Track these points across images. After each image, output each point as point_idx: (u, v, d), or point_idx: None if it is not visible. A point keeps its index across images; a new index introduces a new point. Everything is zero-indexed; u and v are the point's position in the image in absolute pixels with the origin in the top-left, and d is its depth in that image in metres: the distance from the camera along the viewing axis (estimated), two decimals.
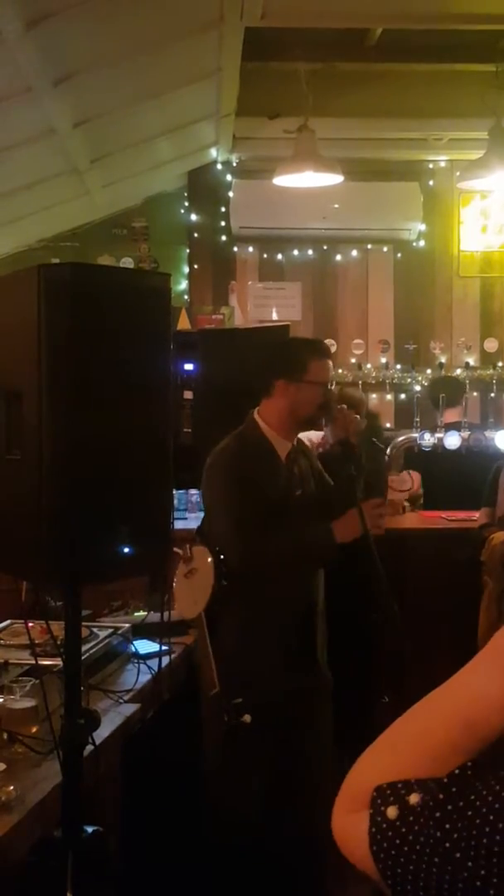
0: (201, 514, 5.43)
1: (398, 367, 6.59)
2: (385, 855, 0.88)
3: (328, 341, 6.50)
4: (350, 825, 0.94)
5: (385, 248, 6.66)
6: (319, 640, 3.17)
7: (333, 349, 6.48)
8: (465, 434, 5.84)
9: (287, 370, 3.09)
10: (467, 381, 6.16)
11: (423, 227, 6.56)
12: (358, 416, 3.33)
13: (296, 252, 6.62)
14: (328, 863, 3.27)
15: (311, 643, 3.16)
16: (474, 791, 0.85)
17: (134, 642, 3.26)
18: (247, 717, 2.79)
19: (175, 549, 2.91)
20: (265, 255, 6.64)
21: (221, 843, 3.06)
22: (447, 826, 0.84)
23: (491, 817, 0.83)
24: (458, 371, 6.45)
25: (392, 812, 0.88)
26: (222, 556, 3.01)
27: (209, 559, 2.80)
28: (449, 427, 5.60)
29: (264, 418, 3.13)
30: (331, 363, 3.21)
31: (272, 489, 3.06)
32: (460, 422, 5.69)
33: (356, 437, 3.18)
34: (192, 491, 5.40)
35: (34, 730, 2.43)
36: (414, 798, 0.87)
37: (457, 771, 0.88)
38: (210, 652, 2.84)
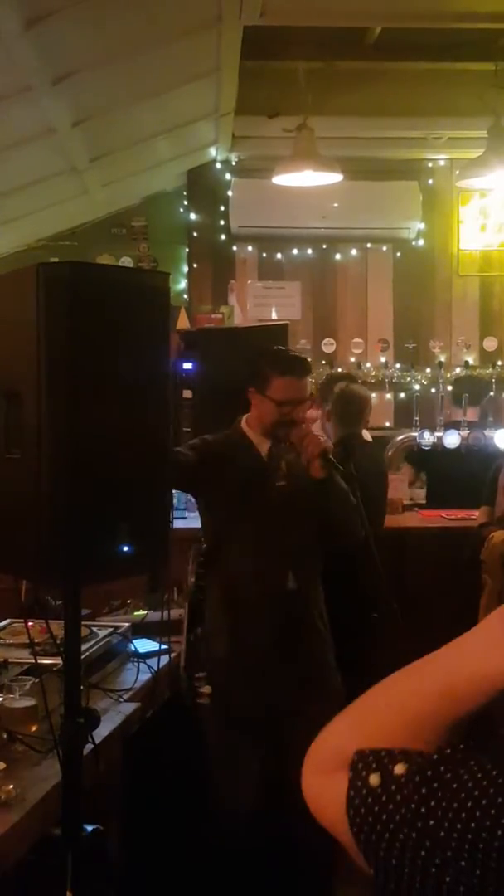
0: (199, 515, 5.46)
1: (398, 366, 6.59)
2: (361, 820, 0.89)
3: (328, 340, 6.53)
4: (324, 785, 0.94)
5: (384, 247, 6.66)
6: (294, 642, 3.11)
7: (333, 348, 6.52)
8: (465, 433, 5.85)
9: (256, 381, 3.12)
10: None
11: (422, 225, 6.56)
12: (322, 437, 3.26)
13: (295, 251, 6.62)
14: (332, 862, 3.27)
15: (293, 644, 3.10)
16: (465, 770, 0.86)
17: (133, 641, 3.26)
18: (206, 689, 2.83)
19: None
20: (264, 255, 6.64)
21: (222, 843, 3.06)
22: (432, 803, 0.85)
23: (482, 801, 0.83)
24: (458, 370, 6.45)
25: (374, 779, 0.89)
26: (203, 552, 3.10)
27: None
28: (471, 425, 5.61)
29: (248, 422, 3.19)
30: (303, 382, 3.10)
31: (242, 475, 3.08)
32: (476, 421, 5.70)
33: (318, 459, 2.99)
34: None
35: (34, 729, 2.43)
36: (399, 769, 0.88)
37: (448, 750, 0.88)
38: (185, 627, 2.91)
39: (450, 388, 6.12)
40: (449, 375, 6.45)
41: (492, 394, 6.04)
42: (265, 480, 3.11)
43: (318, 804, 0.96)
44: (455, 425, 5.64)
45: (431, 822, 0.84)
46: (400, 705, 0.94)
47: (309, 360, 3.38)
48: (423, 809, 0.85)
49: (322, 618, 3.17)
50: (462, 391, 5.78)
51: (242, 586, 3.08)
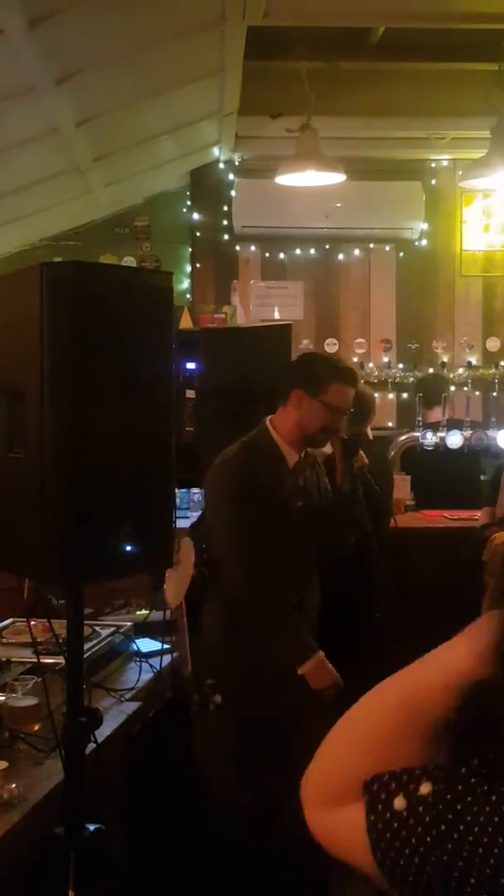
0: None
1: (400, 366, 6.59)
2: (386, 845, 0.87)
3: (330, 340, 6.54)
4: (334, 818, 0.92)
5: (387, 248, 6.66)
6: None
7: (336, 348, 6.52)
8: (468, 433, 5.86)
9: (307, 383, 3.05)
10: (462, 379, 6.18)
11: (425, 226, 6.56)
12: (363, 455, 3.29)
13: (298, 251, 6.62)
14: (331, 861, 3.27)
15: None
16: (499, 783, 0.83)
17: (136, 640, 3.26)
18: (217, 698, 2.82)
19: None
20: (267, 254, 6.65)
21: (221, 842, 3.05)
22: (468, 818, 0.82)
23: None
24: (461, 370, 6.45)
25: (399, 803, 0.86)
26: (203, 546, 3.05)
27: (192, 548, 2.88)
28: (428, 427, 5.63)
29: (276, 426, 3.09)
30: (353, 393, 3.13)
31: (276, 497, 3.02)
32: (439, 421, 5.73)
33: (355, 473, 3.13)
34: (195, 489, 5.40)
35: (36, 728, 2.44)
36: (425, 788, 0.85)
37: (475, 760, 0.86)
38: (186, 636, 2.88)
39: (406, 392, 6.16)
40: (452, 375, 6.45)
41: (451, 390, 6.05)
42: (292, 499, 3.08)
43: (330, 837, 0.94)
44: (458, 425, 5.65)
45: (466, 842, 0.81)
46: (370, 721, 0.93)
47: None
48: (457, 829, 0.82)
49: (315, 626, 3.17)
50: (423, 391, 5.81)
51: (251, 602, 3.03)
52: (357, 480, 3.22)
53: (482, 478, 5.62)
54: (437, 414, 5.80)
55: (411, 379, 6.49)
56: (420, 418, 5.79)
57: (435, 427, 5.65)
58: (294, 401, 3.05)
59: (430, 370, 6.47)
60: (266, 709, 3.01)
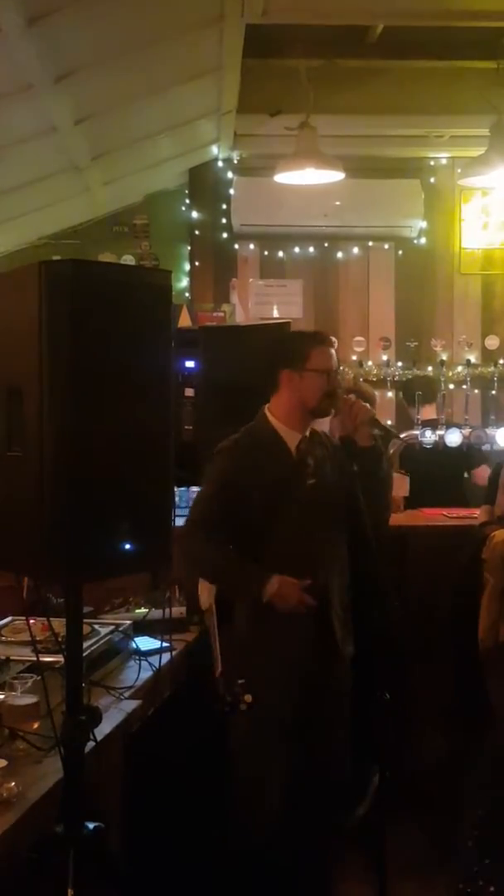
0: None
1: (399, 364, 6.59)
2: None
3: None
4: None
5: (386, 246, 6.66)
6: (339, 635, 3.13)
7: (334, 346, 6.51)
8: (467, 431, 5.86)
9: (289, 360, 3.11)
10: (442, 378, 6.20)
11: (424, 224, 6.55)
12: (367, 405, 3.29)
13: (297, 249, 6.62)
14: (333, 860, 3.28)
15: (330, 637, 3.11)
16: None
17: (135, 639, 3.27)
18: (248, 697, 2.80)
19: None
20: (266, 253, 6.64)
21: (240, 839, 3.05)
22: None
23: None
24: (459, 368, 6.45)
25: None
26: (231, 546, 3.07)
27: None
28: (426, 424, 5.64)
29: (273, 412, 3.16)
30: (333, 351, 3.19)
31: (275, 479, 3.06)
32: (437, 419, 5.73)
33: (366, 425, 3.14)
34: (194, 488, 5.40)
35: (35, 726, 2.44)
36: None
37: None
38: (216, 636, 2.87)
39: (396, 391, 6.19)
40: (451, 374, 6.45)
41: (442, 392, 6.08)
42: (296, 480, 3.10)
43: None
44: (433, 424, 5.68)
45: None
46: None
47: None
48: None
49: (345, 607, 3.17)
50: (415, 390, 5.83)
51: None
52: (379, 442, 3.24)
53: (466, 475, 5.65)
54: (428, 412, 5.79)
55: (410, 377, 6.49)
56: (419, 417, 5.79)
57: (434, 425, 5.65)
58: (285, 382, 3.12)
59: (430, 368, 6.47)
60: (291, 706, 3.00)
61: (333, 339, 3.26)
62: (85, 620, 2.62)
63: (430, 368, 6.48)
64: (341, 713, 3.16)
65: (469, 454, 5.57)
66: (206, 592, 2.91)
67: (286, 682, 2.99)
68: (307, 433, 3.17)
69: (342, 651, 3.14)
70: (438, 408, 5.85)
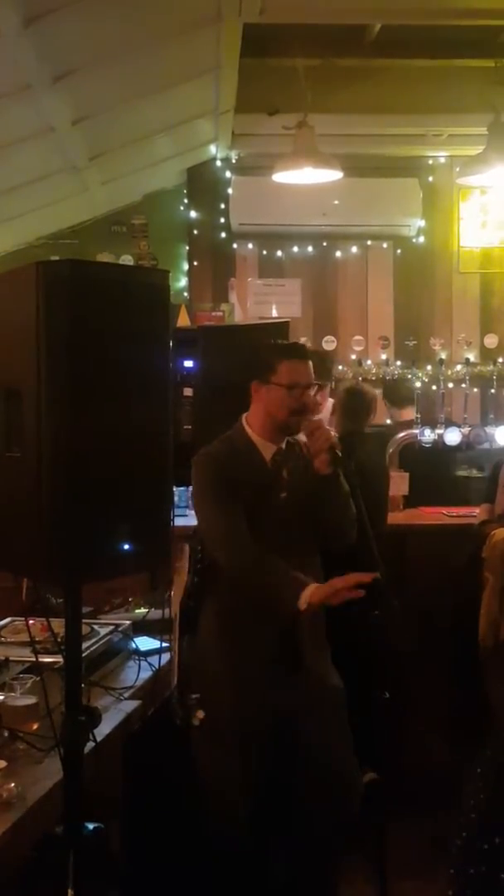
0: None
1: (398, 363, 6.59)
2: None
3: (328, 338, 6.54)
4: None
5: (385, 245, 6.66)
6: (308, 650, 3.04)
7: (333, 345, 6.52)
8: (466, 430, 5.85)
9: (259, 373, 3.03)
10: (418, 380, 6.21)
11: (422, 223, 6.55)
12: (329, 431, 3.10)
13: (295, 248, 6.62)
14: (335, 862, 3.27)
15: (295, 653, 3.03)
16: None
17: (134, 639, 3.27)
18: (199, 714, 2.77)
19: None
20: (265, 252, 6.64)
21: (221, 847, 3.03)
22: None
23: None
24: (459, 367, 6.46)
25: None
26: (200, 555, 3.01)
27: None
28: (402, 426, 5.65)
29: (249, 422, 3.09)
30: (308, 365, 3.03)
31: (251, 491, 2.98)
32: (412, 420, 5.75)
33: (325, 453, 2.94)
34: (193, 488, 5.41)
35: (35, 727, 2.44)
36: None
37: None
38: (176, 647, 2.85)
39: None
40: (450, 372, 6.45)
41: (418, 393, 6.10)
42: (270, 491, 3.02)
43: None
44: (409, 425, 5.69)
45: None
46: None
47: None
48: None
49: (318, 621, 3.09)
50: (393, 393, 5.86)
51: (245, 599, 2.96)
52: (355, 477, 3.20)
53: (460, 473, 5.67)
54: (408, 413, 5.79)
55: (409, 376, 6.49)
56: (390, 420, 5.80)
57: (410, 426, 5.67)
58: (255, 393, 3.05)
59: (429, 367, 6.48)
60: (269, 712, 2.95)
61: (308, 351, 3.14)
62: (84, 621, 2.62)
63: (429, 367, 6.48)
64: (333, 720, 3.11)
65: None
66: (178, 598, 2.87)
67: (242, 694, 2.92)
68: (283, 445, 3.08)
69: (309, 664, 3.04)
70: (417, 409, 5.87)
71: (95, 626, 3.18)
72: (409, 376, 6.34)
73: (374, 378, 6.51)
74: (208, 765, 2.99)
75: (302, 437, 3.06)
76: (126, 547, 2.02)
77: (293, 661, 3.03)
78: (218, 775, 2.97)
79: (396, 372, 6.50)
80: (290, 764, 3.02)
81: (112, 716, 2.71)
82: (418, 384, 6.42)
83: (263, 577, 2.89)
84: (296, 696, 2.99)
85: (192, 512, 5.43)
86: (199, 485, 3.05)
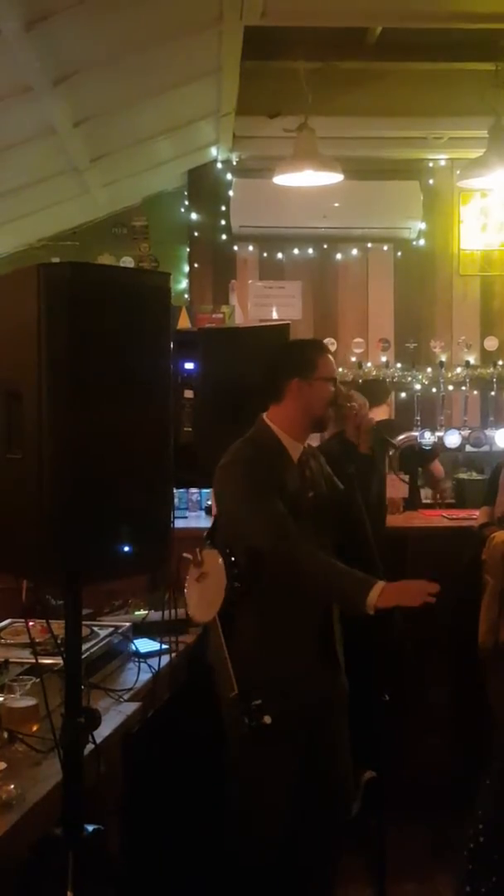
0: (202, 514, 5.46)
1: (398, 365, 6.60)
2: None
3: (328, 340, 6.54)
4: None
5: (385, 247, 6.66)
6: (339, 647, 3.13)
7: (334, 348, 6.52)
8: (466, 433, 5.88)
9: (299, 370, 3.09)
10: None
11: (423, 225, 6.56)
12: (370, 416, 3.35)
13: (296, 251, 6.62)
14: (337, 864, 3.27)
15: (331, 649, 3.11)
16: None
17: (134, 641, 3.27)
18: (267, 719, 2.75)
19: (185, 554, 2.92)
20: (265, 254, 6.64)
21: (239, 847, 3.03)
22: None
23: None
24: (459, 370, 6.46)
25: None
26: (233, 558, 2.98)
27: (220, 561, 2.78)
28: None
29: (275, 422, 3.10)
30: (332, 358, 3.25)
31: (287, 491, 3.02)
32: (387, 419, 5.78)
33: (368, 433, 3.22)
34: (193, 490, 5.41)
35: (35, 728, 2.44)
36: None
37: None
38: (227, 655, 2.80)
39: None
40: (450, 375, 6.46)
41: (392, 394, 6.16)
42: (301, 491, 3.08)
43: None
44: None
45: None
46: None
47: None
48: None
49: (339, 620, 3.16)
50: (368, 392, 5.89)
51: (285, 601, 2.98)
52: (354, 480, 3.22)
53: (460, 476, 5.68)
54: (382, 413, 5.80)
55: (409, 378, 6.50)
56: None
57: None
58: (293, 391, 3.09)
59: (429, 370, 6.48)
60: (297, 718, 2.97)
61: (332, 348, 3.32)
62: (84, 622, 2.62)
63: (429, 370, 6.49)
64: (344, 721, 3.16)
65: (421, 453, 5.63)
66: (204, 605, 2.82)
67: (291, 694, 2.94)
68: (305, 444, 3.16)
69: (340, 660, 3.14)
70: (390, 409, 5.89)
71: (95, 628, 3.18)
72: (383, 377, 6.38)
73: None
74: (254, 767, 2.99)
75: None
76: (126, 549, 2.02)
77: (330, 658, 3.09)
78: (266, 777, 2.99)
79: (373, 372, 6.51)
80: (314, 759, 3.05)
81: (112, 717, 2.71)
82: (418, 386, 6.45)
83: (328, 572, 2.93)
84: (328, 693, 3.06)
85: (192, 514, 5.42)
86: (239, 485, 3.02)
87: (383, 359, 6.61)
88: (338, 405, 3.18)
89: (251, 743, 2.78)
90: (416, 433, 5.71)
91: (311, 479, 3.13)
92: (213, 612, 2.77)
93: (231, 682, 2.76)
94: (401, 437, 5.60)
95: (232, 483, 3.04)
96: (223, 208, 6.48)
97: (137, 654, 3.20)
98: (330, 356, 3.20)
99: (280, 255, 6.62)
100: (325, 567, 2.93)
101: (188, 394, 3.54)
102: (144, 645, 3.28)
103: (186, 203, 6.62)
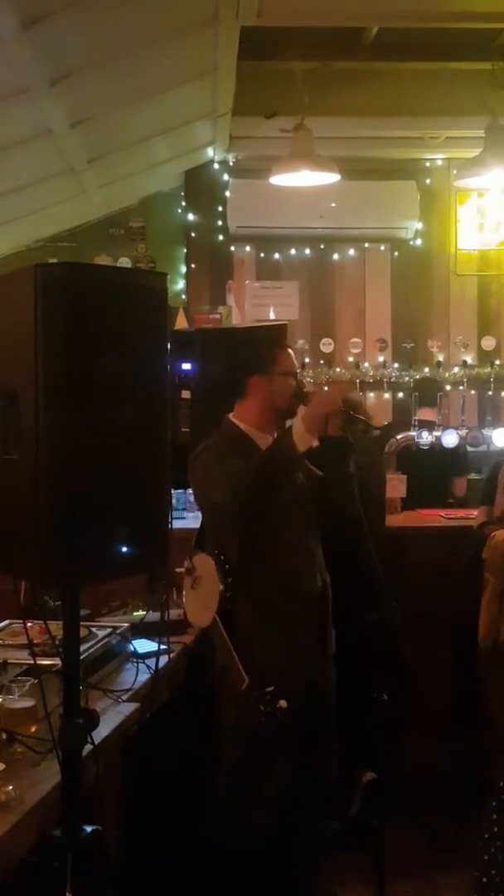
0: (199, 515, 5.45)
1: (395, 365, 6.60)
2: None
3: (325, 340, 6.55)
4: None
5: (382, 247, 6.67)
6: (329, 638, 3.16)
7: (331, 348, 6.54)
8: (464, 432, 5.88)
9: (259, 366, 3.11)
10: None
11: (419, 225, 6.56)
12: (336, 398, 3.22)
13: (293, 251, 6.62)
14: (332, 863, 3.27)
15: (324, 639, 3.14)
16: None
17: (132, 641, 3.26)
18: (283, 703, 2.77)
19: (177, 569, 2.95)
20: (262, 255, 6.65)
21: (230, 844, 3.03)
22: None
23: None
24: (456, 369, 6.47)
25: None
26: (222, 557, 3.00)
27: (212, 563, 2.83)
28: (422, 425, 5.68)
29: (241, 419, 3.14)
30: (291, 350, 3.22)
31: None
32: (433, 421, 5.77)
33: (337, 416, 3.07)
34: (191, 490, 5.40)
35: (33, 729, 2.43)
36: None
37: None
38: (232, 650, 2.82)
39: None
40: (448, 375, 6.47)
41: (441, 393, 6.14)
42: None
43: None
44: (430, 425, 5.72)
45: None
46: None
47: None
48: None
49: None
50: (415, 391, 5.91)
51: (283, 589, 3.02)
52: (353, 479, 3.21)
53: (464, 477, 5.69)
54: (430, 413, 5.83)
55: (406, 378, 6.50)
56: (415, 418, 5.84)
57: (430, 427, 5.69)
58: (255, 388, 3.11)
59: (426, 370, 6.49)
60: (295, 708, 2.95)
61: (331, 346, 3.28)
62: (82, 623, 2.61)
63: (426, 370, 6.49)
64: (331, 711, 3.17)
65: (456, 461, 5.64)
66: (202, 610, 2.84)
67: (291, 685, 2.94)
68: (275, 436, 3.14)
69: (331, 650, 3.16)
70: (439, 410, 5.89)
71: (93, 629, 3.18)
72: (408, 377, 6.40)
73: (370, 380, 6.52)
74: (251, 760, 2.99)
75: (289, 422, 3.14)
76: (124, 549, 2.02)
77: (324, 646, 3.11)
78: (261, 771, 2.99)
79: (370, 372, 6.54)
80: (310, 753, 3.05)
81: (110, 718, 2.71)
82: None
83: (257, 462, 2.97)
84: (321, 680, 3.07)
85: (190, 514, 5.42)
86: (209, 464, 3.06)
87: (380, 359, 6.62)
88: (302, 396, 3.12)
89: (263, 732, 2.79)
90: (413, 433, 5.70)
91: None
92: (212, 614, 2.79)
93: (241, 673, 2.78)
94: (399, 436, 5.62)
95: (202, 469, 3.09)
96: (220, 209, 6.49)
97: (136, 654, 3.19)
98: (289, 349, 3.19)
99: (277, 256, 6.62)
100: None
101: (185, 394, 3.53)
102: (142, 645, 3.27)
103: (183, 204, 6.63)
